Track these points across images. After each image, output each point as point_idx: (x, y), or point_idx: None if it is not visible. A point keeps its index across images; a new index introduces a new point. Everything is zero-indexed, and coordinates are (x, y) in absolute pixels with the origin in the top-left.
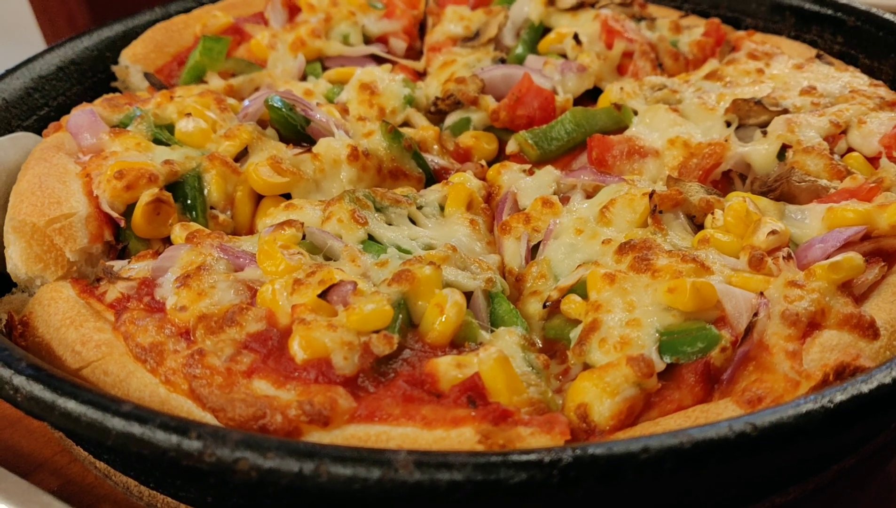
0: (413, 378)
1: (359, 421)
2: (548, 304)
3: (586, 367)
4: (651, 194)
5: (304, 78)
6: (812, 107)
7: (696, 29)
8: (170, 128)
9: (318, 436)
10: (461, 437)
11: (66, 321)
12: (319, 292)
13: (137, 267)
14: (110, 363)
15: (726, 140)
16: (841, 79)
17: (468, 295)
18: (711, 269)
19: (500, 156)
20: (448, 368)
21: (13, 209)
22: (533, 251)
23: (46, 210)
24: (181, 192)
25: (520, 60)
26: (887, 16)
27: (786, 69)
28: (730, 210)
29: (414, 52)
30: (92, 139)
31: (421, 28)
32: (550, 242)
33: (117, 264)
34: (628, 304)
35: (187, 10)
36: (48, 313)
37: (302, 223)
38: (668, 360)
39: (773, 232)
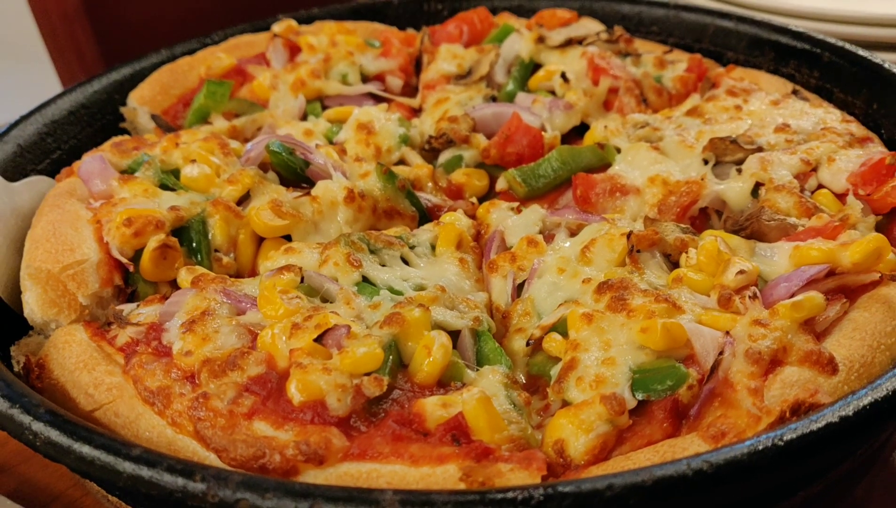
0: (402, 418)
1: (351, 459)
2: (531, 342)
3: (565, 404)
4: (629, 235)
5: (304, 117)
6: (785, 144)
7: (679, 64)
8: (176, 173)
9: (313, 474)
10: (445, 474)
11: (79, 364)
12: (315, 336)
13: (146, 312)
14: (121, 406)
15: (702, 179)
16: (814, 115)
17: (456, 333)
18: (683, 308)
19: (490, 191)
20: (434, 408)
21: (29, 256)
22: (519, 289)
23: (60, 257)
24: (186, 236)
25: (511, 97)
26: (861, 52)
27: (763, 106)
28: (702, 249)
29: (410, 89)
30: (102, 185)
31: (417, 65)
32: (535, 281)
33: (126, 308)
34: (605, 343)
35: (192, 52)
36: (63, 357)
37: (300, 268)
38: (639, 397)
39: (741, 272)
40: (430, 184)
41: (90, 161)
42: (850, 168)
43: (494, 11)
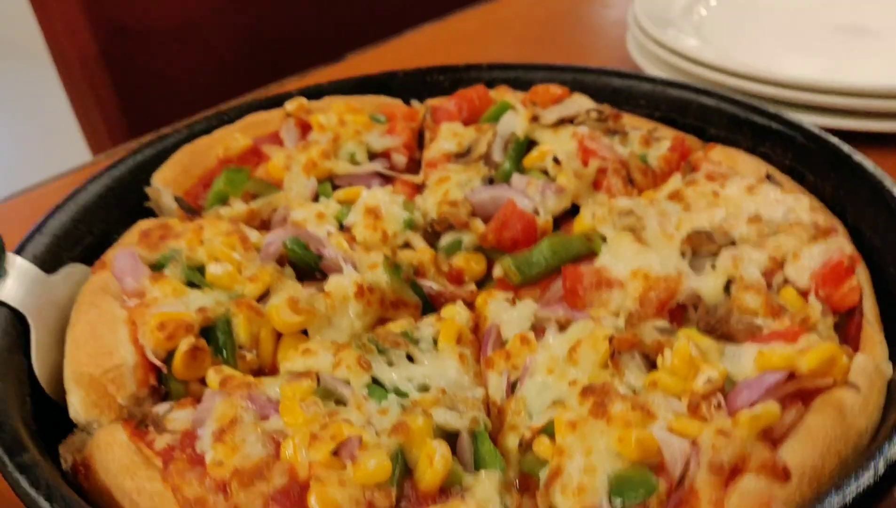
0: None
1: None
2: (522, 444)
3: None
4: (611, 339)
5: (316, 197)
6: (757, 237)
7: (664, 142)
8: (201, 269)
9: None
10: None
11: (121, 468)
12: (332, 448)
13: (179, 417)
14: None
15: (679, 275)
16: (785, 203)
17: (456, 434)
18: (656, 415)
19: (489, 273)
20: None
21: (71, 357)
22: (513, 386)
23: (101, 361)
24: (213, 335)
25: (507, 176)
26: (831, 139)
27: (738, 191)
28: (675, 353)
29: (413, 164)
30: (135, 283)
31: (420, 137)
32: (527, 379)
33: (161, 409)
34: (587, 449)
35: (210, 129)
36: (106, 459)
37: (317, 373)
38: (617, 505)
39: (709, 381)
40: (432, 268)
41: (122, 258)
42: (813, 266)
43: (493, 83)
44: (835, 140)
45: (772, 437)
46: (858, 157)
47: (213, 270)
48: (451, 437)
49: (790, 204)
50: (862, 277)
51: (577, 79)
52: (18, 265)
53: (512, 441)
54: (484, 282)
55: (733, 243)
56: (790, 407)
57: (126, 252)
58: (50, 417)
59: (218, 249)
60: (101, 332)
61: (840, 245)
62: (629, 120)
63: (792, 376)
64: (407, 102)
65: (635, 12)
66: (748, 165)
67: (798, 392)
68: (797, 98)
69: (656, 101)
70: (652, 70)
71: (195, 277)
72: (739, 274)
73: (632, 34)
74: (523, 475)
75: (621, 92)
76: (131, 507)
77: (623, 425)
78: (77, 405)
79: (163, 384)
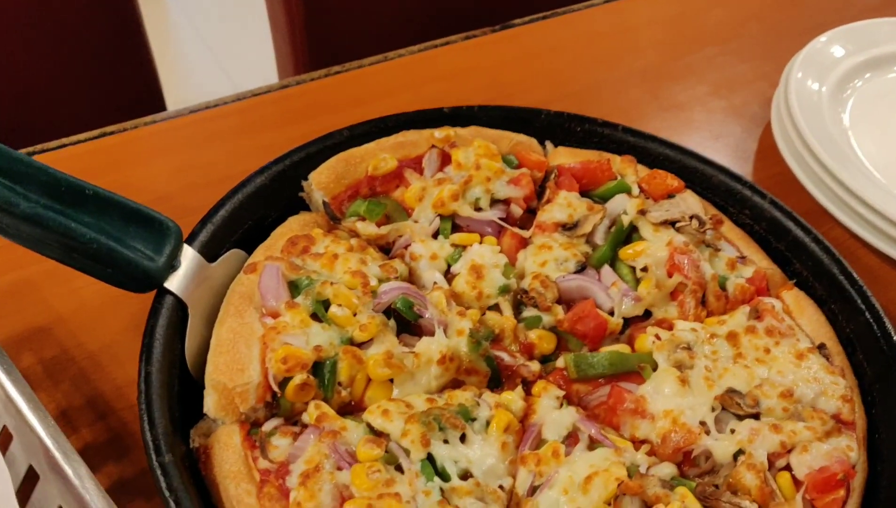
0: None
1: None
2: None
3: None
4: (619, 483)
5: (436, 235)
6: (782, 413)
7: (747, 269)
8: (325, 303)
9: None
10: None
11: (230, 473)
12: None
13: (280, 446)
14: None
15: (701, 430)
16: (822, 383)
17: None
18: None
19: (558, 349)
20: None
21: (212, 360)
22: (535, 488)
23: (234, 376)
24: (320, 371)
25: (601, 261)
26: (890, 329)
27: (787, 355)
28: None
29: (527, 215)
30: (274, 303)
31: (540, 188)
32: (546, 489)
33: (269, 426)
34: None
35: (369, 135)
36: (221, 458)
37: (386, 441)
38: None
39: None
40: (510, 336)
41: (269, 275)
42: (814, 465)
43: (622, 146)
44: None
45: None
46: None
47: (334, 311)
48: None
49: (826, 386)
50: (856, 482)
51: (699, 169)
52: (189, 257)
53: None
54: (548, 358)
55: (758, 415)
56: None
57: (272, 269)
58: (191, 390)
59: (342, 294)
60: (239, 346)
61: (846, 449)
62: (728, 229)
63: None
64: (542, 141)
65: (788, 96)
66: (811, 323)
67: None
68: None
69: (760, 216)
70: (792, 162)
71: (319, 310)
72: (750, 451)
73: (777, 116)
74: None
75: (734, 195)
76: None
77: None
78: (210, 404)
79: (275, 400)
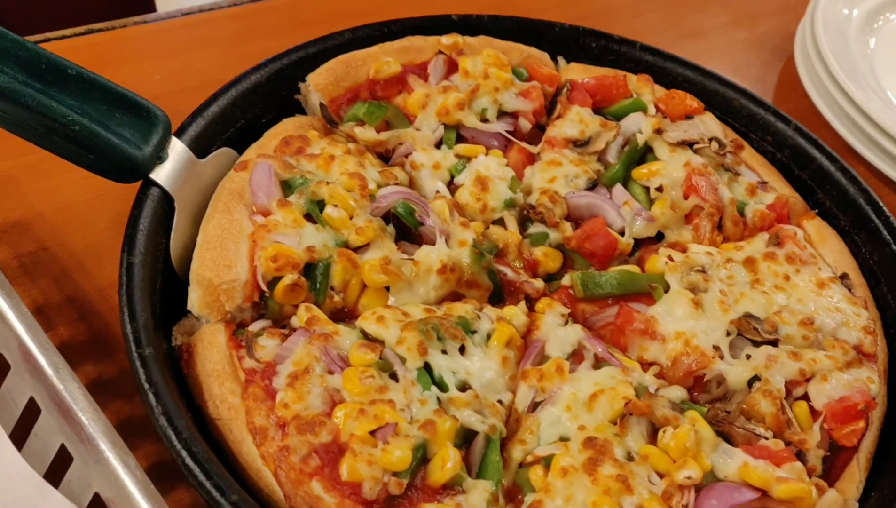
0: None
1: None
2: (522, 464)
3: None
4: (627, 403)
5: (439, 144)
6: (802, 342)
7: (768, 195)
8: (321, 203)
9: None
10: None
11: (214, 372)
12: (371, 429)
13: (268, 346)
14: (234, 426)
15: (715, 354)
16: (844, 314)
17: (474, 434)
18: (633, 490)
19: (561, 270)
20: None
21: (199, 255)
22: (536, 405)
23: (220, 272)
24: (312, 273)
25: (613, 180)
26: None
27: (808, 283)
28: (675, 436)
29: (536, 130)
30: (265, 200)
31: (550, 103)
32: (548, 406)
33: (256, 326)
34: (567, 497)
35: (371, 39)
36: (205, 357)
37: (382, 343)
38: None
39: (689, 477)
40: (515, 252)
41: (260, 171)
42: (833, 395)
43: (639, 65)
44: None
45: None
46: None
47: (329, 211)
48: (470, 433)
49: (847, 316)
50: (875, 415)
51: (720, 92)
52: (178, 150)
53: (517, 453)
54: (553, 277)
55: (776, 341)
56: None
57: (264, 166)
58: (175, 289)
59: (338, 194)
60: (227, 243)
61: (867, 381)
62: (749, 155)
63: (763, 493)
64: (554, 57)
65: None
66: (833, 253)
67: None
68: None
69: (783, 143)
70: (816, 95)
71: (314, 211)
72: (766, 377)
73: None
74: (515, 485)
75: (756, 121)
76: (213, 410)
77: (603, 490)
78: (194, 301)
79: (263, 301)
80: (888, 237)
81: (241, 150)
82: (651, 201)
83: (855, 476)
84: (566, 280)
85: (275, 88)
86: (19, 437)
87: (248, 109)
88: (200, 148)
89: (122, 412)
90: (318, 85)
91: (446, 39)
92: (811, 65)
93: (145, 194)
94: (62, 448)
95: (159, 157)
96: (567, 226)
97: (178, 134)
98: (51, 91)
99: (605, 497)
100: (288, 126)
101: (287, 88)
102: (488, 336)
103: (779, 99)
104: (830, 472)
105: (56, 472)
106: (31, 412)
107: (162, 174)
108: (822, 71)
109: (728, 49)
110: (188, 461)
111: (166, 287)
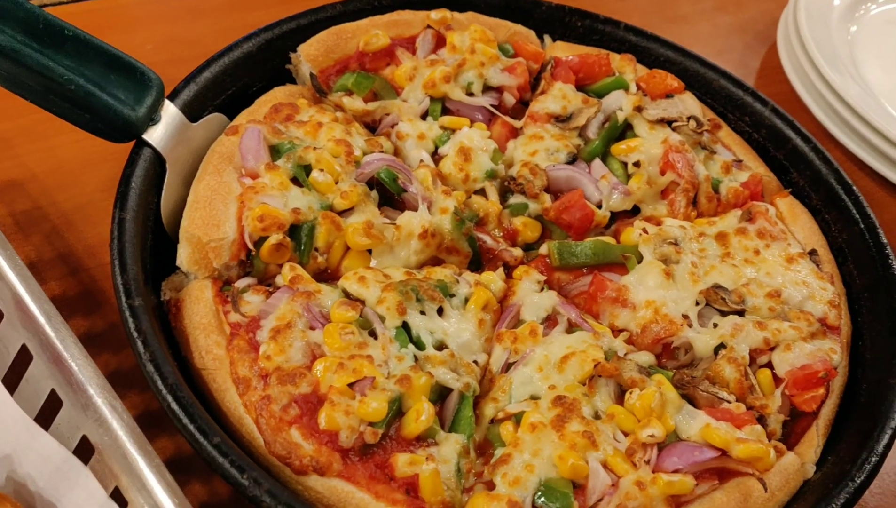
0: (381, 462)
1: (341, 478)
2: (494, 421)
3: (491, 483)
4: (596, 365)
5: (425, 115)
6: (768, 313)
7: (742, 174)
8: (307, 168)
9: (314, 479)
10: None
11: (200, 325)
12: (349, 381)
13: (253, 302)
14: (218, 376)
15: (683, 323)
16: (810, 288)
17: (449, 391)
18: (599, 446)
19: (540, 240)
20: (403, 464)
21: (188, 214)
22: (509, 365)
23: (209, 231)
24: (297, 234)
25: (593, 155)
26: (884, 240)
27: (777, 258)
28: (640, 397)
29: (519, 106)
30: (254, 163)
31: (535, 79)
32: (521, 366)
33: (242, 283)
34: (535, 451)
35: (362, 12)
36: (192, 310)
37: (363, 302)
38: (538, 504)
39: (652, 435)
40: (495, 221)
41: (250, 136)
42: (796, 363)
43: (623, 45)
44: (889, 253)
45: (678, 501)
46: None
47: (315, 176)
48: (445, 391)
49: (814, 290)
50: (836, 384)
51: (701, 73)
52: (171, 113)
53: (489, 410)
54: (532, 246)
55: (743, 312)
56: (707, 480)
57: (254, 131)
58: (165, 248)
59: (325, 159)
60: (216, 203)
61: (829, 352)
62: (726, 134)
63: (723, 453)
64: (540, 35)
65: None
66: (804, 230)
67: (719, 469)
68: None
69: (760, 123)
70: (796, 80)
71: (300, 175)
72: (732, 345)
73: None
74: (485, 440)
75: (735, 102)
76: (198, 361)
77: (569, 445)
78: (183, 257)
79: (249, 259)
80: (857, 216)
81: (232, 115)
82: (628, 176)
83: (813, 440)
84: (543, 249)
85: (266, 58)
86: (12, 382)
87: (240, 77)
88: (193, 112)
89: (109, 364)
90: (308, 55)
91: (435, 14)
92: (793, 50)
93: (138, 154)
94: (52, 393)
95: (152, 119)
96: (546, 197)
97: (172, 98)
98: (48, 51)
99: (571, 452)
100: (278, 94)
101: (278, 58)
102: (466, 300)
103: (760, 83)
104: (790, 437)
105: (46, 416)
106: (23, 359)
107: (155, 136)
108: (802, 56)
109: (712, 34)
110: (173, 405)
111: (156, 246)
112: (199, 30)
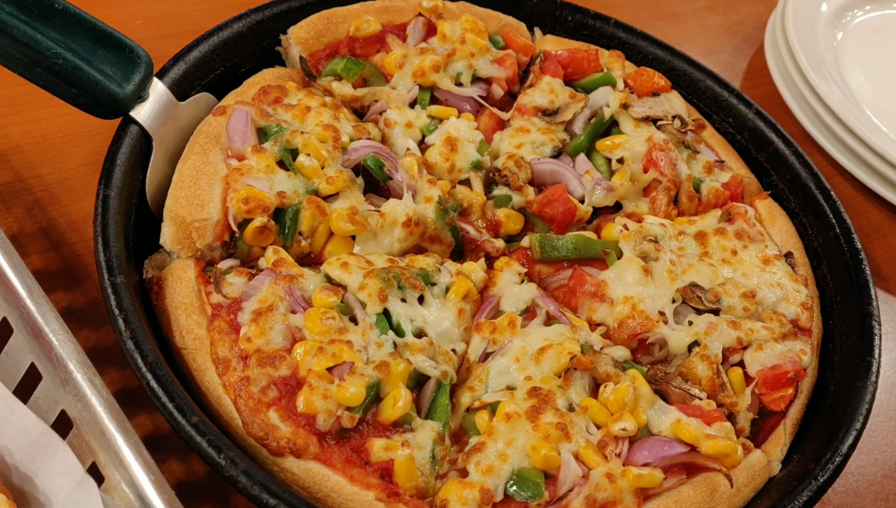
0: (357, 446)
1: (317, 460)
2: (469, 409)
3: (465, 470)
4: (572, 358)
5: (413, 104)
6: (742, 313)
7: (724, 174)
8: (294, 152)
9: (291, 461)
10: (366, 498)
11: (182, 304)
12: (329, 366)
13: (235, 283)
14: (198, 356)
15: (658, 319)
16: (784, 289)
17: (427, 378)
18: (571, 438)
19: (522, 232)
20: (378, 449)
21: (173, 193)
22: (487, 355)
23: (193, 210)
24: (281, 218)
25: (578, 150)
26: (860, 250)
27: (754, 259)
28: (614, 391)
29: (507, 97)
30: (240, 145)
31: (524, 71)
32: (498, 357)
33: (225, 264)
34: (509, 441)
35: None
36: (174, 290)
37: (343, 291)
38: (511, 491)
39: (624, 429)
40: (478, 212)
41: (237, 117)
42: (766, 363)
43: (612, 41)
44: (862, 253)
45: (646, 493)
46: (866, 277)
47: (302, 160)
48: (422, 378)
49: (788, 292)
50: (805, 385)
51: (688, 73)
52: (158, 90)
53: (465, 398)
54: (514, 238)
55: (718, 311)
56: (675, 474)
57: (242, 113)
58: (148, 226)
59: (312, 144)
60: (201, 183)
61: (799, 353)
62: (709, 135)
63: (692, 448)
64: (531, 27)
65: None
66: (781, 232)
67: (687, 464)
68: None
69: (743, 125)
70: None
71: (287, 158)
72: (706, 342)
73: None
74: (461, 429)
75: (720, 103)
76: (179, 340)
77: (543, 435)
78: (166, 236)
79: (233, 241)
80: (833, 221)
81: (220, 96)
82: (612, 172)
83: (780, 439)
84: (525, 242)
85: (256, 39)
86: None
87: (229, 57)
88: (180, 91)
89: (89, 340)
90: (298, 38)
91: (427, 2)
92: (779, 54)
93: (124, 130)
94: (32, 367)
95: (140, 96)
96: (530, 190)
97: (160, 76)
98: (35, 24)
99: (545, 442)
100: (267, 76)
101: (268, 40)
102: (447, 289)
103: (746, 85)
104: (758, 434)
105: (25, 389)
106: (3, 332)
107: (142, 113)
108: (788, 60)
109: (702, 34)
110: (153, 383)
111: (139, 224)
112: (190, 7)
